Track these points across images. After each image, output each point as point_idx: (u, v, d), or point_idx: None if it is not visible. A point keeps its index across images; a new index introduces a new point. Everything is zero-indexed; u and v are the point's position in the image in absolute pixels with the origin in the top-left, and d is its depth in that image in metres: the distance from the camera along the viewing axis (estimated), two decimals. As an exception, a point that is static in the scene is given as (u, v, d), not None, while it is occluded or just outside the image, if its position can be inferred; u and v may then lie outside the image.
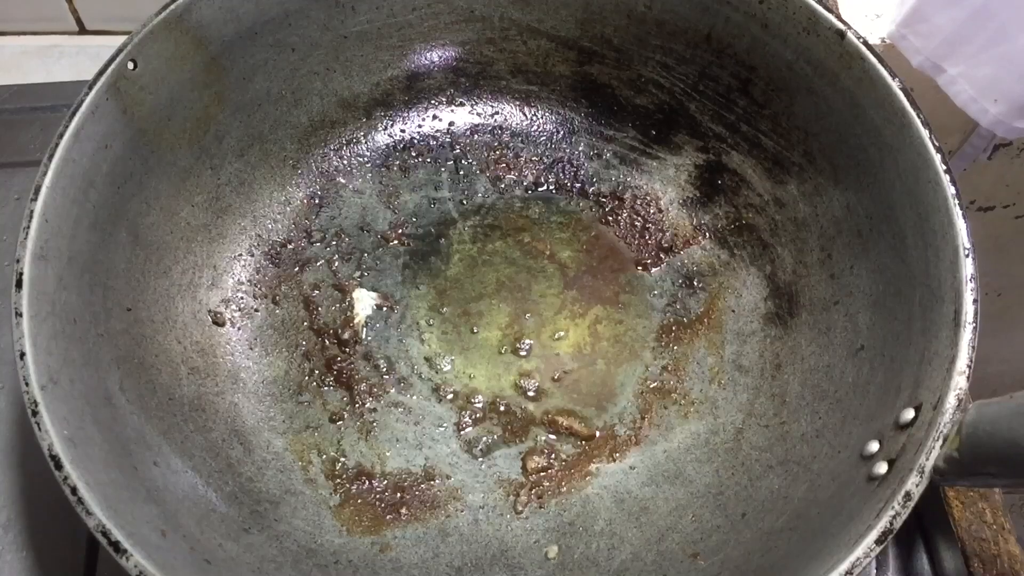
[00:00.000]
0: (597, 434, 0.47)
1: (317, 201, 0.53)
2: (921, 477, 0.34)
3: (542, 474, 0.46)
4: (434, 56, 0.54)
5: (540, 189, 0.54)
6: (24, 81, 0.61)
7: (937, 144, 0.39)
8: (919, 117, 0.40)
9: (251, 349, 0.48)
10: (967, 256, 0.37)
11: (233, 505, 0.42)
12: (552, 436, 0.47)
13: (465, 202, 0.53)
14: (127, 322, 0.43)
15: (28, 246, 0.38)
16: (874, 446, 0.37)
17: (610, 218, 0.53)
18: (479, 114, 0.55)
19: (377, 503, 0.45)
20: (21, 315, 0.37)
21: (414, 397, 0.48)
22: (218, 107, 0.48)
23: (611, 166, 0.54)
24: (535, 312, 0.50)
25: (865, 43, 0.42)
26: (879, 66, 0.41)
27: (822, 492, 0.39)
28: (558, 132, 0.55)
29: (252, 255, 0.51)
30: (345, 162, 0.54)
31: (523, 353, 0.49)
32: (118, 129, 0.43)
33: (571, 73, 0.54)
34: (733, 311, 0.50)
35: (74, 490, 0.33)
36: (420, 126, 0.55)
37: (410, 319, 0.50)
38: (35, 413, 0.34)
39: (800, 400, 0.44)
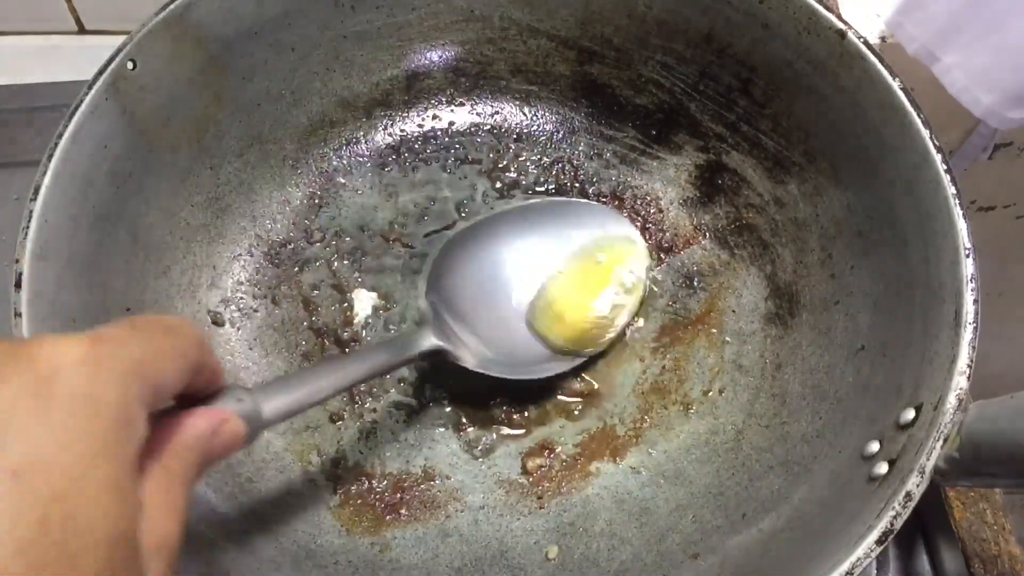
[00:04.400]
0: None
1: (317, 201, 0.53)
2: (922, 477, 0.34)
3: (542, 474, 0.46)
4: (434, 56, 0.54)
5: (540, 189, 0.54)
6: (24, 81, 0.61)
7: (938, 144, 0.39)
8: (920, 117, 0.40)
9: (251, 349, 0.48)
10: (968, 256, 0.37)
11: (233, 505, 0.42)
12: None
13: (465, 202, 0.53)
14: (127, 322, 0.43)
15: (28, 246, 0.38)
16: (874, 446, 0.37)
17: (610, 218, 0.53)
18: (479, 114, 0.55)
19: (377, 503, 0.45)
20: (21, 315, 0.37)
21: (414, 397, 0.48)
22: (218, 107, 0.48)
23: (611, 166, 0.54)
24: (535, 312, 0.50)
25: (865, 43, 0.42)
26: (879, 66, 0.41)
27: (822, 492, 0.39)
28: (558, 132, 0.55)
29: (252, 255, 0.51)
30: (345, 162, 0.54)
31: (523, 353, 0.49)
32: (118, 129, 0.43)
33: (571, 73, 0.53)
34: (733, 311, 0.50)
35: (74, 490, 0.33)
36: (420, 126, 0.55)
37: (410, 319, 0.50)
38: (35, 413, 0.34)
39: (800, 400, 0.44)
